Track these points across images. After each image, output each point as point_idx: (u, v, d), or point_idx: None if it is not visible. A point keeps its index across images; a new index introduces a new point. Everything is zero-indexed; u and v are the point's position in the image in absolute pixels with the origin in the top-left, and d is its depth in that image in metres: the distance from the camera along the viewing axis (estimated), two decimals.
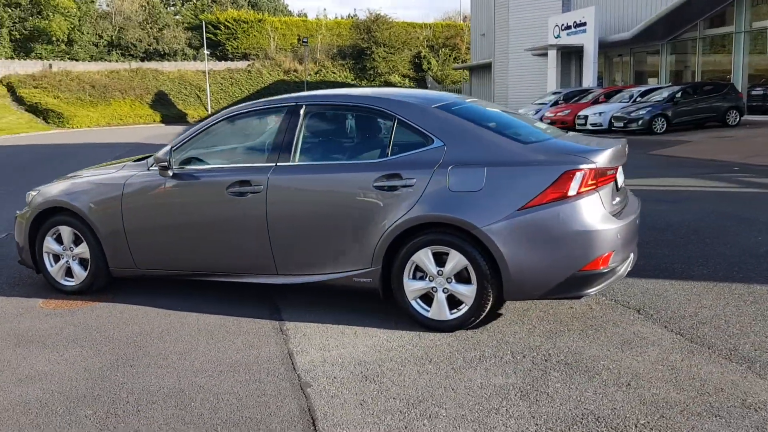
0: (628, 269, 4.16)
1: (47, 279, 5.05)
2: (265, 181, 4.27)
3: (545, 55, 28.71)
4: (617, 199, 4.11)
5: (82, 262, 4.91)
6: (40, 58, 46.91)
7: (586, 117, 20.79)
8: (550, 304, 4.40)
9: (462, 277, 3.88)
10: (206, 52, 51.54)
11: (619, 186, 4.28)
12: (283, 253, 4.29)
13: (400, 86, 51.71)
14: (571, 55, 28.61)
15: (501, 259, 3.76)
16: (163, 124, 43.24)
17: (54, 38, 48.04)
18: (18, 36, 47.25)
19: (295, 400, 3.20)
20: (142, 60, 53.12)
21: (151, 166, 4.67)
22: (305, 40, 54.16)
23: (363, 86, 51.89)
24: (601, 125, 20.05)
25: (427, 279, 3.95)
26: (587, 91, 23.55)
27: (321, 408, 3.11)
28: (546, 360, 3.56)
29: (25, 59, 46.00)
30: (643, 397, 3.09)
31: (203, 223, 4.48)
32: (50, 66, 45.97)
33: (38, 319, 4.48)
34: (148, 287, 5.02)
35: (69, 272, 4.97)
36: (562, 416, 2.95)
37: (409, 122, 4.11)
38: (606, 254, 3.76)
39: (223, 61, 54.41)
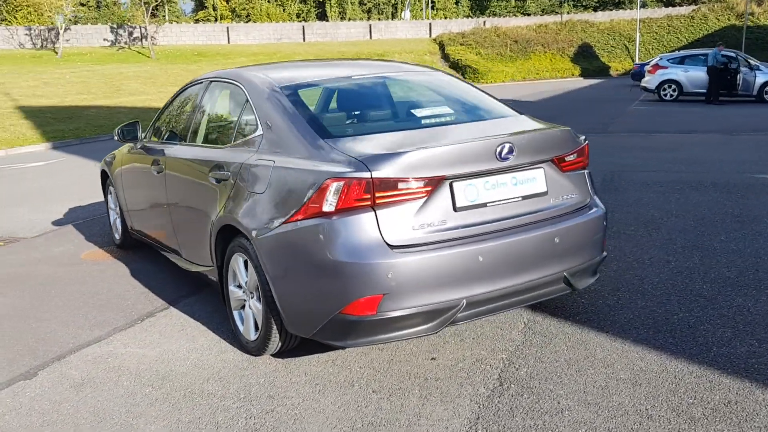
0: (478, 318, 3.31)
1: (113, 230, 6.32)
2: (164, 161, 4.55)
3: None
4: (456, 220, 3.19)
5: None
6: (495, 14, 51.19)
7: None
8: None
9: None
10: None
11: (514, 196, 3.34)
12: (180, 237, 4.54)
13: None
14: None
15: (269, 279, 3.36)
16: (581, 78, 43.18)
17: None
18: None
19: None
20: (595, 10, 53.42)
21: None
22: None
23: None
24: None
25: (243, 289, 3.76)
26: None
27: None
28: None
29: (463, 17, 51.07)
30: None
31: (144, 197, 5.04)
32: (484, 23, 50.02)
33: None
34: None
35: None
36: None
37: (251, 103, 3.86)
38: (370, 297, 3.01)
39: (663, 8, 50.78)
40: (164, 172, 4.57)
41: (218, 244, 3.86)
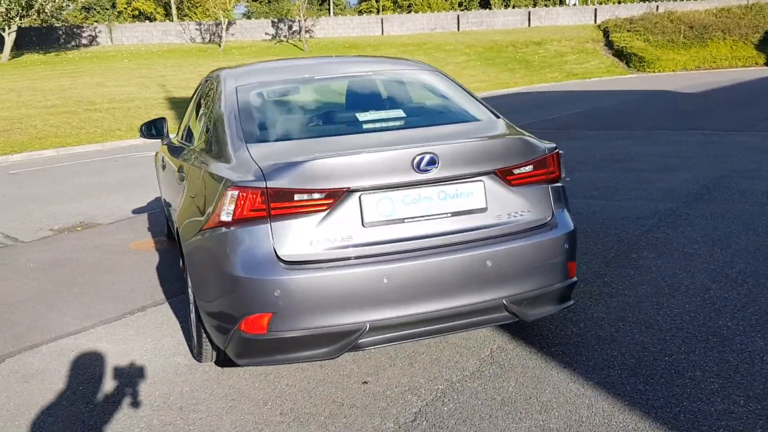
0: (392, 344, 3.06)
1: None
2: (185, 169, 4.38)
3: None
4: (363, 237, 2.95)
5: None
6: None
7: None
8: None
9: None
10: None
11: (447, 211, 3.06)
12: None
13: None
14: None
15: (191, 286, 3.33)
16: (766, 67, 39.07)
17: None
18: None
19: None
20: None
21: None
22: None
23: None
24: None
25: None
26: None
27: None
28: None
29: (634, 2, 48.04)
30: None
31: (164, 190, 5.19)
32: (657, 8, 46.74)
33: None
34: None
35: None
36: None
37: (217, 103, 3.80)
38: (259, 314, 2.89)
39: None
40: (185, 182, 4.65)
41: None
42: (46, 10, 34.60)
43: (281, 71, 4.10)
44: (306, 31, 41.22)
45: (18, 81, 24.79)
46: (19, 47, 35.56)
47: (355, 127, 3.52)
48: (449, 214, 3.04)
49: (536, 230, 3.20)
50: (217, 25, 41.60)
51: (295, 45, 40.58)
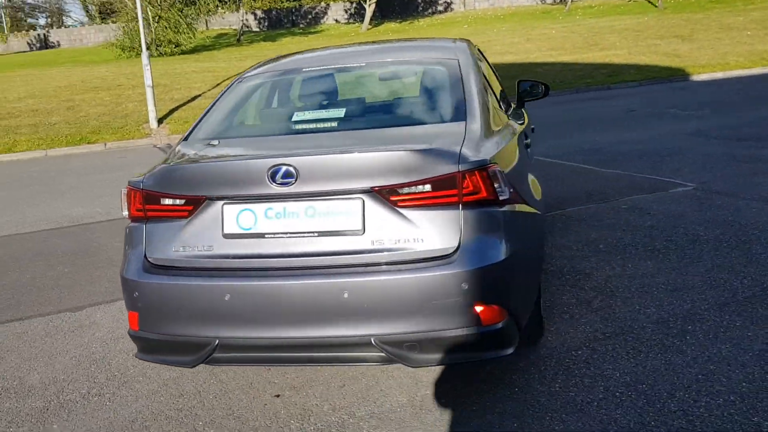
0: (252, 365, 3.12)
1: None
2: None
3: None
4: (222, 249, 2.89)
5: None
6: None
7: None
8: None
9: None
10: None
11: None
12: None
13: None
14: None
15: None
16: None
17: None
18: None
19: None
20: None
21: None
22: None
23: None
24: None
25: None
26: None
27: None
28: None
29: None
30: None
31: None
32: None
33: None
34: None
35: None
36: None
37: None
38: (131, 312, 3.10)
39: None
40: None
41: None
42: None
43: (291, 63, 4.08)
44: None
45: None
46: (383, 15, 39.41)
47: (285, 128, 3.39)
48: (315, 234, 2.78)
49: (429, 262, 2.71)
50: None
51: (650, 1, 37.59)
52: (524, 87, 4.66)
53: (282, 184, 2.74)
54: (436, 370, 3.35)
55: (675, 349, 3.36)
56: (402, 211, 2.72)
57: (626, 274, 4.39)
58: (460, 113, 3.22)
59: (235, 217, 2.84)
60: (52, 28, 60.68)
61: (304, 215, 2.78)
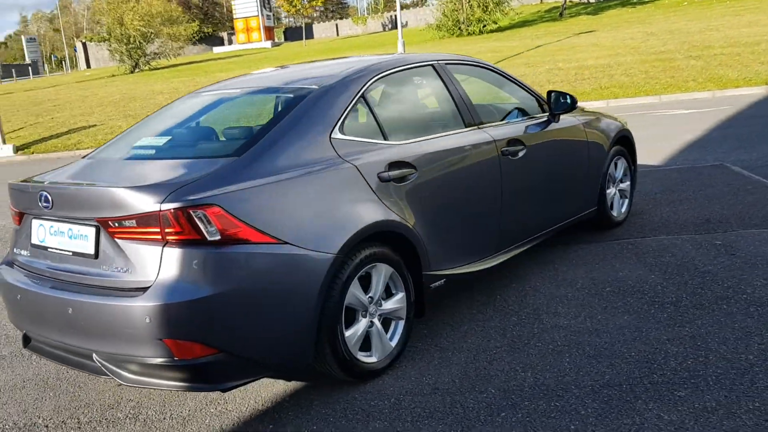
0: (57, 360, 3.54)
1: None
2: None
3: None
4: (29, 256, 3.66)
5: None
6: None
7: None
8: None
9: None
10: None
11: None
12: None
13: None
14: None
15: None
16: None
17: None
18: None
19: None
20: None
21: None
22: None
23: None
24: None
25: None
26: None
27: None
28: None
29: None
30: None
31: None
32: None
33: None
34: None
35: None
36: None
37: None
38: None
39: None
40: None
41: None
42: None
43: (217, 84, 4.63)
44: None
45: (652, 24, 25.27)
46: None
47: (123, 153, 3.91)
48: (71, 253, 3.34)
49: (127, 292, 3.08)
50: None
51: None
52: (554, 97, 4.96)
53: (45, 207, 3.37)
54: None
55: None
56: (119, 242, 3.15)
57: None
58: (242, 148, 3.38)
59: (36, 230, 3.57)
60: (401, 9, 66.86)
61: (67, 235, 3.38)
